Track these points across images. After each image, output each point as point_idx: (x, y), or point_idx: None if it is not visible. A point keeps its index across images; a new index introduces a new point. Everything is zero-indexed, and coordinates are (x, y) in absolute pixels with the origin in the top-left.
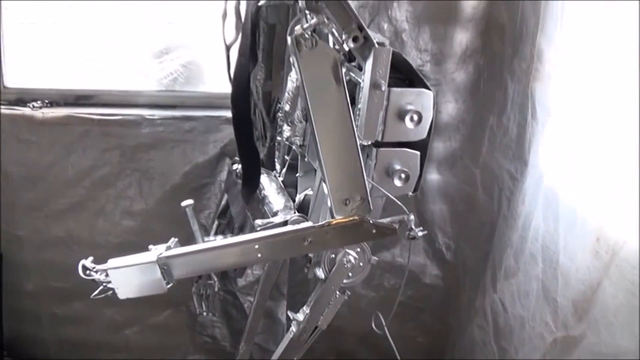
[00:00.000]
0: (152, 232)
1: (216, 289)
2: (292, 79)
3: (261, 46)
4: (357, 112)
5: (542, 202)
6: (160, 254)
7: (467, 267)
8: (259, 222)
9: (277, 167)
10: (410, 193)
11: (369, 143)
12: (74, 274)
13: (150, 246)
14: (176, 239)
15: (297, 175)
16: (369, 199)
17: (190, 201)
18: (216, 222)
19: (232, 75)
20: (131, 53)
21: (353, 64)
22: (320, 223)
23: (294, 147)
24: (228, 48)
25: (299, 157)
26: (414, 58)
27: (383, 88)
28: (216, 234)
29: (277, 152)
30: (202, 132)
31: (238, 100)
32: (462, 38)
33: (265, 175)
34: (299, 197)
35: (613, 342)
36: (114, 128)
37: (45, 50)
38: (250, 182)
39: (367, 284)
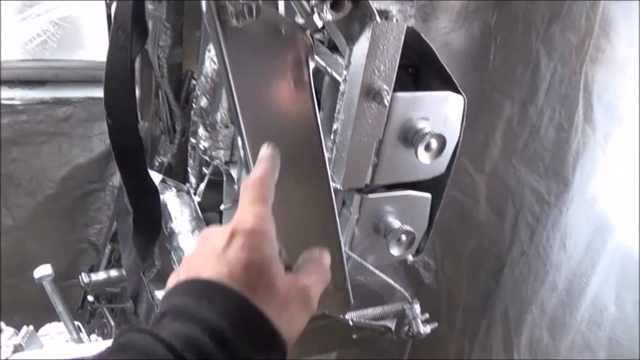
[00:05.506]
0: (26, 255)
1: None
2: (213, 57)
3: None
4: (332, 136)
5: (607, 261)
6: None
7: (454, 302)
8: (158, 294)
9: (192, 179)
10: (411, 257)
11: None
12: None
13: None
14: (31, 328)
15: (222, 208)
16: (349, 287)
17: (47, 268)
18: (109, 247)
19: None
20: None
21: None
22: None
23: (216, 162)
24: (109, 4)
25: (224, 176)
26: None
27: (386, 100)
28: (109, 262)
29: (190, 159)
30: (83, 120)
31: (115, 101)
32: None
33: (173, 191)
34: None
35: None
36: None
37: None
38: (145, 245)
39: None
